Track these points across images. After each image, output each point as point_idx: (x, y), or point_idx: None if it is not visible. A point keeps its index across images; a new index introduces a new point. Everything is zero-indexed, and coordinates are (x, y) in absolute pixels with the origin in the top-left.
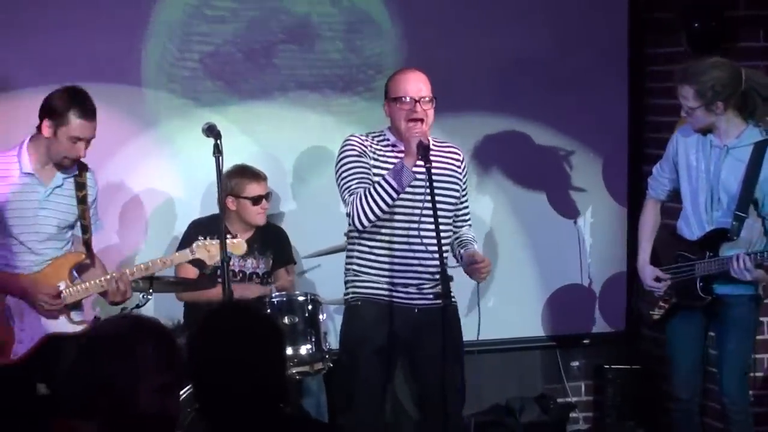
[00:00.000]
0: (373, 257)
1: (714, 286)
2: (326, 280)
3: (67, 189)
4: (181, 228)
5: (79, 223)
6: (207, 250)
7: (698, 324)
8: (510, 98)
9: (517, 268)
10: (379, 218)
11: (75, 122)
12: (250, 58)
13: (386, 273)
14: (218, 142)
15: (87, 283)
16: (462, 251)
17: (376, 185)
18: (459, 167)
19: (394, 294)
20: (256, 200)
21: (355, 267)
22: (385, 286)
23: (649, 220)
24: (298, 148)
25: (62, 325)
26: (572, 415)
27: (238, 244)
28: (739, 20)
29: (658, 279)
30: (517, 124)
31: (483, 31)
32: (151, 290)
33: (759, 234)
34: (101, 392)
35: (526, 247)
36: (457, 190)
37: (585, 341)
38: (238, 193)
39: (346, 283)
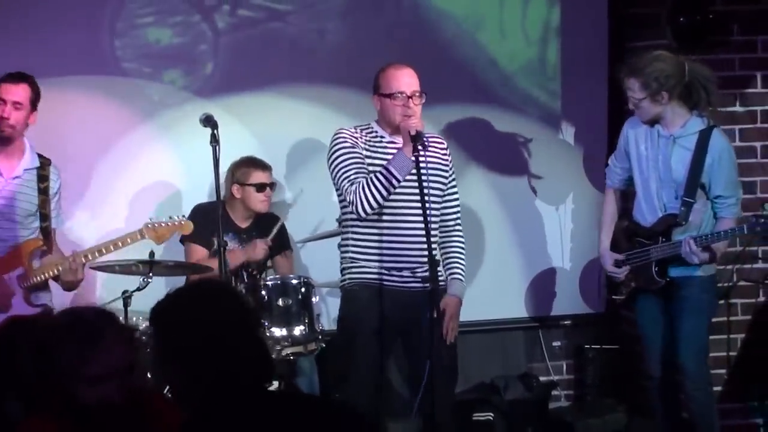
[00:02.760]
0: (367, 243)
1: (669, 269)
2: (319, 264)
3: (27, 180)
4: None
5: (38, 213)
6: (155, 231)
7: (659, 305)
8: (493, 90)
9: (501, 252)
10: (380, 205)
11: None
12: (245, 51)
13: (380, 258)
14: (215, 132)
15: (43, 268)
16: (447, 276)
17: (378, 174)
18: (445, 156)
19: (389, 278)
20: (259, 187)
21: (350, 254)
22: (380, 270)
23: (609, 209)
24: (291, 138)
25: (22, 308)
26: (554, 392)
27: (185, 225)
28: (716, 15)
29: (617, 264)
30: (500, 115)
31: (466, 23)
32: (151, 274)
33: (708, 217)
34: (45, 384)
35: (509, 233)
36: (445, 177)
37: (566, 322)
38: (243, 181)
39: (342, 270)
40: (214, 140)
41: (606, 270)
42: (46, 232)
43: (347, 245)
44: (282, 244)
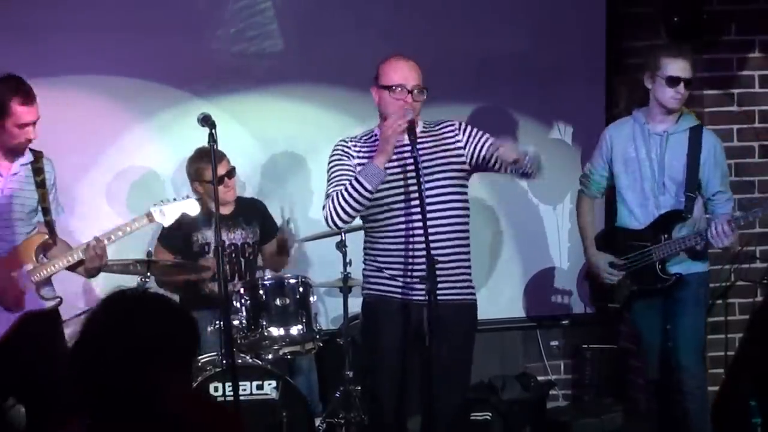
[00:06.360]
0: (381, 258)
1: (669, 267)
2: (318, 264)
3: (24, 175)
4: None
5: (39, 207)
6: (163, 213)
7: (659, 307)
8: (491, 89)
9: (499, 252)
10: (352, 218)
11: (18, 110)
12: (242, 51)
13: (394, 272)
14: (213, 131)
15: (53, 261)
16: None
17: (348, 186)
18: (452, 140)
19: (407, 292)
20: (218, 181)
21: (368, 267)
22: (395, 284)
23: (588, 217)
24: (290, 137)
25: (35, 303)
26: (552, 392)
27: (192, 203)
28: (713, 14)
29: (613, 265)
30: (499, 115)
31: (465, 24)
32: (149, 273)
33: (703, 213)
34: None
35: (508, 233)
36: (457, 156)
37: (564, 322)
38: (200, 178)
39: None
40: (212, 140)
41: (601, 274)
42: (50, 226)
43: (366, 257)
44: (270, 230)
